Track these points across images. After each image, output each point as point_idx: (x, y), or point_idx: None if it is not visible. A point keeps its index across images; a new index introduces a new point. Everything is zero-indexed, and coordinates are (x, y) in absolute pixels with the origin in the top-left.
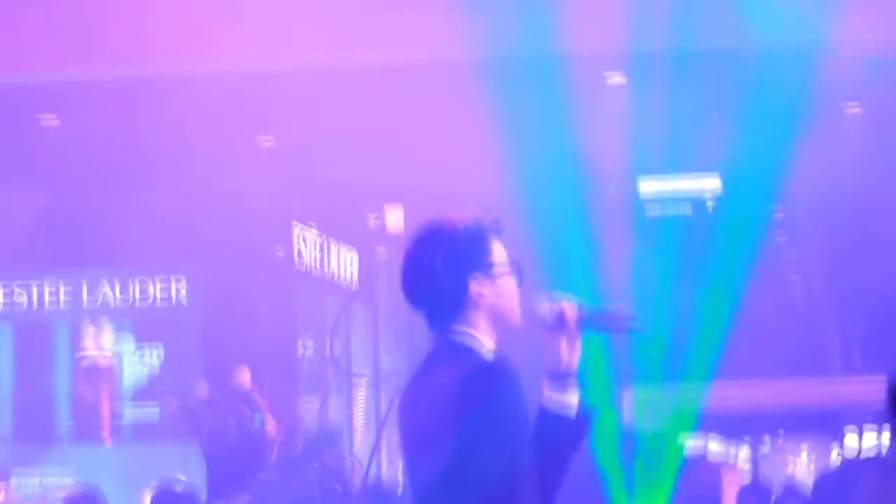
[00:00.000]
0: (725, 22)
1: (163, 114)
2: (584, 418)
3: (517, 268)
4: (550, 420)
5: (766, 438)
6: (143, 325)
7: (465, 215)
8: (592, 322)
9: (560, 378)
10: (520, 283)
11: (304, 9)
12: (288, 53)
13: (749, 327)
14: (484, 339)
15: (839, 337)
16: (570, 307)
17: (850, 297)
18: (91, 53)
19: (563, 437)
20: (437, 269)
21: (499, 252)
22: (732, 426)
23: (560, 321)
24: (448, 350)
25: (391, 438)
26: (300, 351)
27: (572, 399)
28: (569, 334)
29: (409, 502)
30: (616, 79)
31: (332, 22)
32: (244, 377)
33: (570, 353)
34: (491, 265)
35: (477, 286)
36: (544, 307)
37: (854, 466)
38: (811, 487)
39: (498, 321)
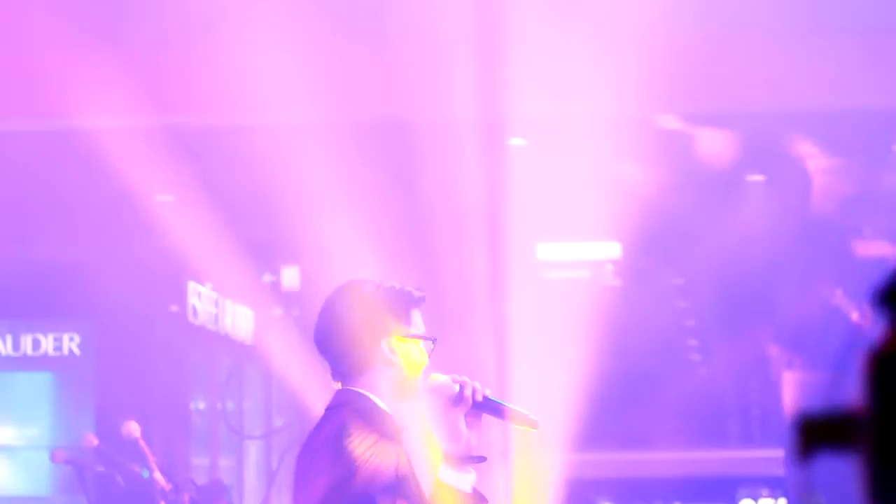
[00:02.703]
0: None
1: (61, 166)
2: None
3: (430, 342)
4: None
5: None
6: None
7: (394, 281)
8: (491, 405)
9: (458, 460)
10: (428, 356)
11: (207, 66)
12: (187, 110)
13: (648, 395)
14: (379, 401)
15: (737, 407)
16: (470, 386)
17: (750, 366)
18: None
19: None
20: (355, 324)
21: (417, 322)
22: (629, 495)
23: (459, 398)
24: (340, 403)
25: (282, 495)
26: (192, 407)
27: (467, 483)
28: (468, 414)
29: None
30: (517, 141)
31: (234, 82)
32: (133, 431)
33: (469, 434)
34: (406, 332)
35: (388, 349)
36: (443, 383)
37: None
38: None
39: (399, 389)
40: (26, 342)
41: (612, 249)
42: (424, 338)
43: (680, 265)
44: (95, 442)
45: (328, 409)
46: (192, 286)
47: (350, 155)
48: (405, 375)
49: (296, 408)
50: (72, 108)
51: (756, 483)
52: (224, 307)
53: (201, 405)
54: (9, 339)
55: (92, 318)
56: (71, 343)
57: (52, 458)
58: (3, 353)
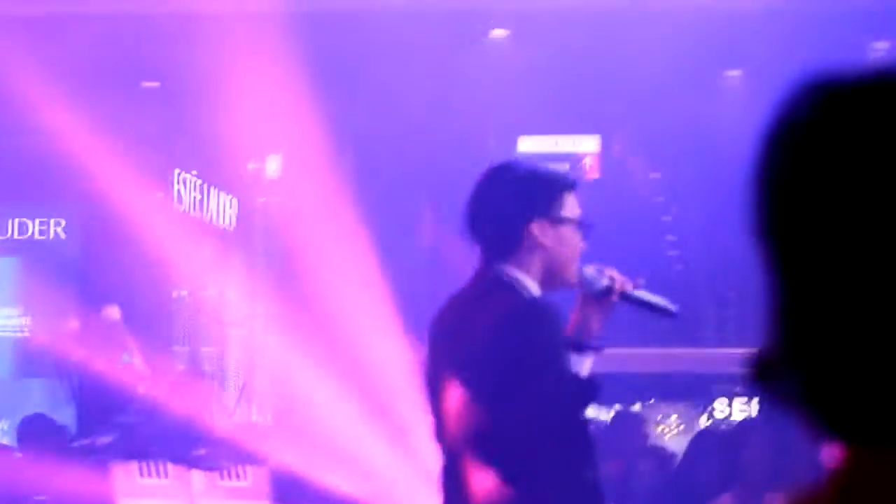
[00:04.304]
0: None
1: (49, 53)
2: (592, 386)
3: (585, 228)
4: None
5: (637, 405)
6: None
7: (546, 164)
8: (632, 299)
9: (582, 345)
10: (584, 243)
11: None
12: None
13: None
14: (531, 285)
15: (714, 304)
16: (621, 280)
17: (727, 265)
18: None
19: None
20: (503, 205)
21: (570, 206)
22: (604, 390)
23: (607, 291)
24: (493, 286)
25: (261, 382)
26: (175, 294)
27: (586, 366)
28: (607, 306)
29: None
30: (498, 33)
31: None
32: (114, 315)
33: (600, 323)
34: (558, 216)
35: (538, 231)
36: (594, 274)
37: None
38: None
39: (551, 274)
40: (13, 226)
41: (591, 143)
42: (577, 222)
43: (658, 159)
44: (76, 325)
45: (477, 290)
46: (177, 173)
47: (328, 46)
48: (556, 261)
49: (277, 296)
50: None
51: (731, 381)
52: (209, 195)
53: (184, 292)
54: None
55: (78, 203)
56: (57, 228)
57: (32, 341)
58: None
